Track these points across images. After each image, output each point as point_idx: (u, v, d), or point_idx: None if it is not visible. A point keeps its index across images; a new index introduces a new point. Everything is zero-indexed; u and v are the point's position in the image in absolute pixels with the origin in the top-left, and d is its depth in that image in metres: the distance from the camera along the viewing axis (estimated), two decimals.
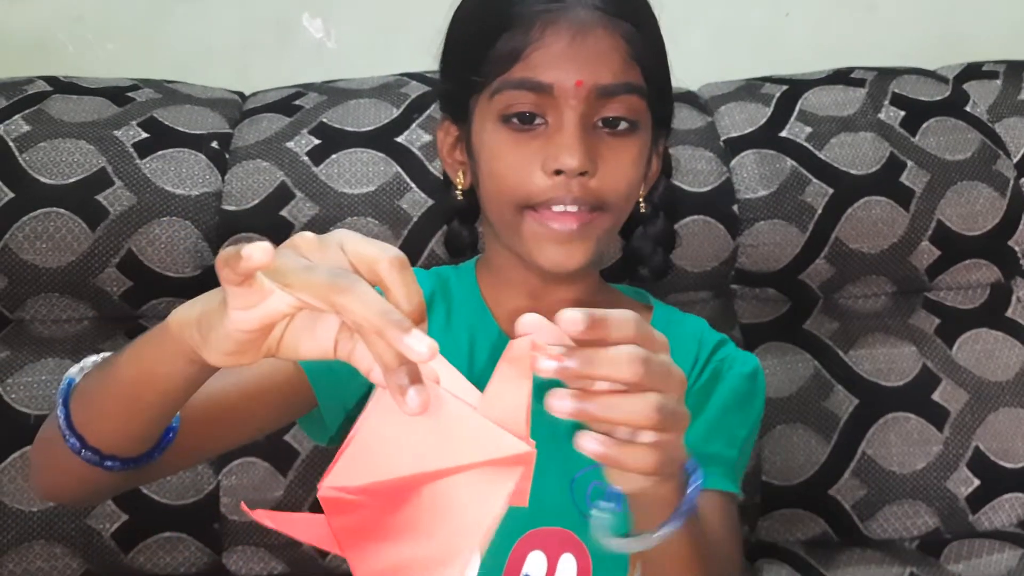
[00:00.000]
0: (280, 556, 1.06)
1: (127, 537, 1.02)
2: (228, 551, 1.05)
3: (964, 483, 1.12)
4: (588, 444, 0.48)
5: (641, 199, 0.79)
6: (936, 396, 1.13)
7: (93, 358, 0.62)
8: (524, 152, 0.71)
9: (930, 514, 1.12)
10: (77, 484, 0.64)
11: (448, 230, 0.87)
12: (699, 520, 0.62)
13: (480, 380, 0.68)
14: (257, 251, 0.43)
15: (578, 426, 0.70)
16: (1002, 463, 1.12)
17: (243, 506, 0.47)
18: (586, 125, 0.71)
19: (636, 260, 0.85)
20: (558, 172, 0.70)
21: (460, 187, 0.79)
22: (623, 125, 0.72)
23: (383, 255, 0.45)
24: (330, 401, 0.73)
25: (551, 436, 0.70)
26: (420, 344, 0.42)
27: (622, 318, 0.48)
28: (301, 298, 0.45)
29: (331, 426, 0.75)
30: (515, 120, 0.71)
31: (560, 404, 0.46)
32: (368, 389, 0.49)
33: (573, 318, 0.46)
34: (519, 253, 0.75)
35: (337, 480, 0.45)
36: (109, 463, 0.60)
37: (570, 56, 0.70)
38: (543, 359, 0.46)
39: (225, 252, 0.44)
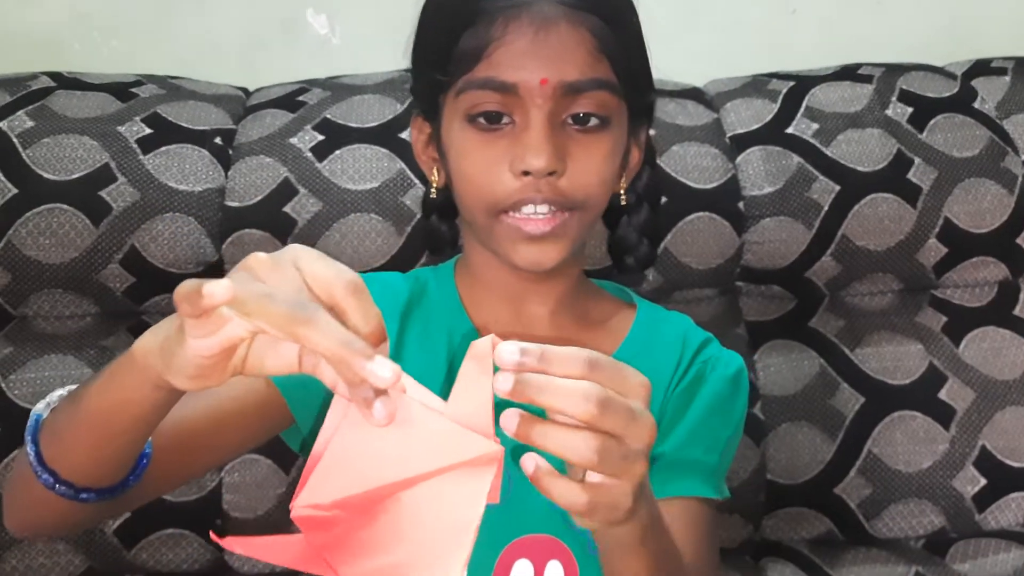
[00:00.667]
0: None
1: (129, 534, 1.02)
2: None
3: (970, 482, 1.11)
4: (526, 465, 0.49)
5: (622, 191, 0.77)
6: (943, 394, 1.12)
7: (59, 392, 0.62)
8: (491, 153, 0.69)
9: (936, 513, 1.11)
10: (54, 518, 0.64)
11: (427, 227, 0.85)
12: (659, 531, 0.61)
13: None
14: (219, 289, 0.43)
15: None
16: (1009, 462, 1.12)
17: (212, 535, 0.47)
18: (554, 123, 0.69)
19: (622, 250, 0.83)
20: (526, 173, 0.68)
21: (435, 184, 0.77)
22: (593, 122, 0.70)
23: (338, 280, 0.46)
24: (307, 414, 0.72)
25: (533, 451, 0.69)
26: (383, 370, 0.43)
27: (567, 356, 0.47)
28: (260, 327, 0.44)
29: (311, 437, 0.74)
30: (481, 120, 0.70)
31: (507, 422, 0.47)
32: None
33: (509, 351, 0.46)
34: (495, 253, 0.73)
35: (309, 498, 0.44)
36: (84, 495, 0.60)
37: (533, 53, 0.68)
38: (499, 378, 0.46)
39: (185, 288, 0.45)
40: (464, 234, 0.81)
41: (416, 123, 0.78)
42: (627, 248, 0.82)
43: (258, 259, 0.47)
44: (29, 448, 0.59)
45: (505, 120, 0.69)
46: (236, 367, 0.49)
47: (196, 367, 0.48)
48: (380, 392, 0.44)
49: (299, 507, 0.44)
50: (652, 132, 0.82)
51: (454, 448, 0.45)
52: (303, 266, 0.46)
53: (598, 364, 0.48)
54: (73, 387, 0.61)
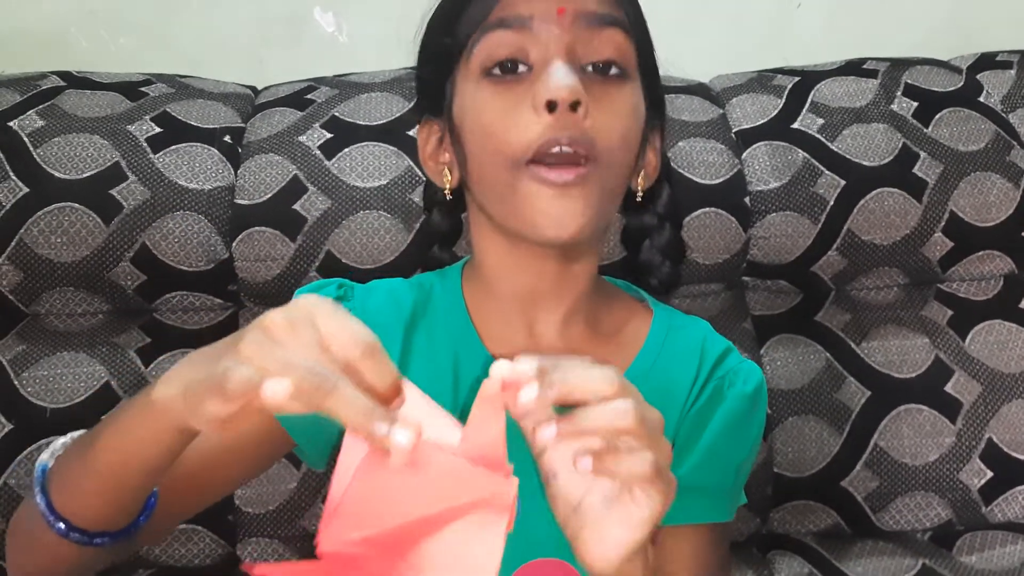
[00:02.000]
0: (294, 548, 1.07)
1: None
2: (242, 542, 1.06)
3: (977, 475, 1.12)
4: (582, 464, 0.51)
5: (640, 191, 0.74)
6: (949, 388, 1.13)
7: (62, 440, 0.62)
8: (510, 99, 0.66)
9: (943, 506, 1.12)
10: (65, 566, 0.62)
11: (426, 222, 0.81)
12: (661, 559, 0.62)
13: (466, 404, 0.69)
14: (280, 389, 0.45)
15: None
16: (1015, 455, 1.12)
17: (244, 566, 0.49)
18: (574, 61, 0.66)
19: (645, 272, 0.80)
20: (550, 108, 0.64)
21: (448, 186, 0.74)
22: (614, 70, 0.67)
23: (354, 342, 0.47)
24: (310, 439, 0.72)
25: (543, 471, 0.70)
26: (402, 437, 0.45)
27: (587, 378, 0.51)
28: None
29: (318, 459, 0.74)
30: (496, 71, 0.67)
31: (583, 463, 0.51)
32: None
33: (526, 399, 0.49)
34: (514, 227, 0.69)
35: (336, 534, 0.47)
36: (98, 540, 0.59)
37: None
38: (542, 431, 0.50)
39: (239, 381, 0.46)
40: (474, 232, 0.76)
41: (424, 127, 0.76)
42: (650, 270, 0.79)
43: (274, 321, 0.47)
44: (39, 499, 0.59)
45: (522, 69, 0.67)
46: (259, 408, 0.50)
47: (221, 422, 0.49)
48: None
49: (326, 541, 0.46)
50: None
51: (471, 487, 0.47)
52: (320, 324, 0.47)
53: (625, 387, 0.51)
54: (76, 434, 0.61)
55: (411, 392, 0.49)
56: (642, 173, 0.74)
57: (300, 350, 0.46)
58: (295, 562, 0.47)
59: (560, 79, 0.64)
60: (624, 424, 0.50)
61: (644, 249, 0.79)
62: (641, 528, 0.53)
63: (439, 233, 0.81)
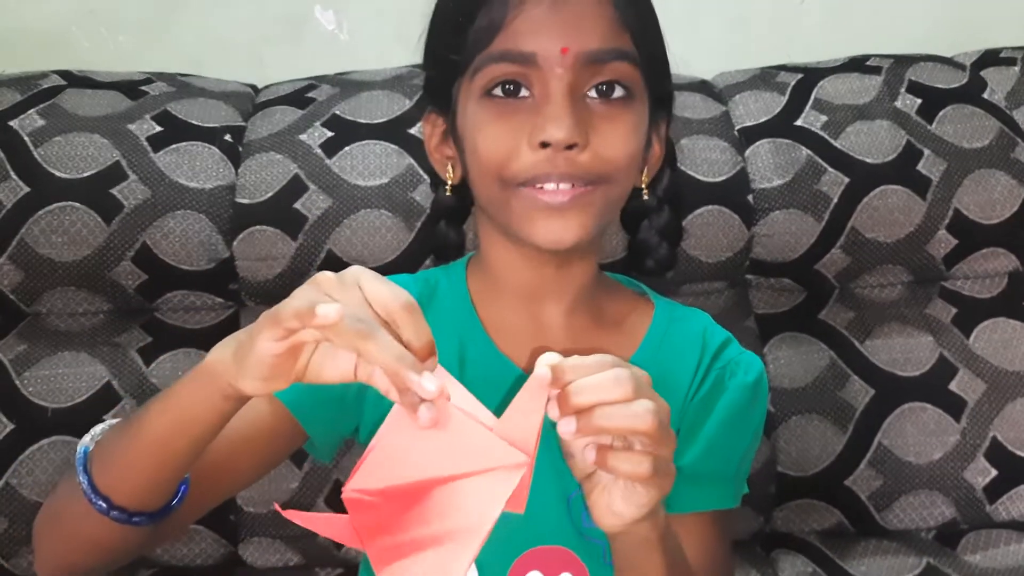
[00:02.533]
0: (295, 547, 1.07)
1: None
2: (244, 542, 1.06)
3: (981, 473, 1.11)
4: (588, 454, 0.56)
5: (644, 186, 0.75)
6: (953, 386, 1.12)
7: (101, 426, 0.65)
8: (509, 125, 0.67)
9: (947, 504, 1.11)
10: (99, 551, 0.65)
11: (434, 232, 0.82)
12: (671, 532, 0.64)
13: (471, 391, 0.69)
14: (332, 311, 0.48)
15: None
16: (1020, 453, 1.12)
17: (276, 506, 0.53)
18: (575, 95, 0.66)
19: (642, 253, 0.81)
20: (544, 145, 0.65)
21: (450, 181, 0.75)
22: (618, 92, 0.68)
23: (395, 299, 0.51)
24: (321, 429, 0.73)
25: (547, 455, 0.71)
26: (429, 384, 0.49)
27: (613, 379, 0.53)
28: (328, 336, 0.50)
29: (328, 451, 0.75)
30: (498, 92, 0.67)
31: (587, 454, 0.56)
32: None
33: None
34: (513, 233, 0.70)
35: (359, 483, 0.51)
36: (136, 519, 0.62)
37: (553, 22, 0.65)
38: (562, 424, 0.54)
39: (296, 305, 0.50)
40: (479, 227, 0.78)
41: (429, 119, 0.76)
42: (647, 251, 0.80)
43: (326, 276, 0.52)
44: (82, 478, 0.61)
45: (524, 94, 0.67)
46: (299, 372, 0.53)
47: (268, 367, 0.52)
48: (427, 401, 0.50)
49: (350, 490, 0.51)
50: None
51: (487, 454, 0.51)
52: (364, 285, 0.52)
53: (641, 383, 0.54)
54: (114, 421, 0.65)
55: (454, 385, 0.52)
56: (645, 169, 0.75)
57: (346, 303, 0.50)
58: (318, 513, 0.53)
59: (557, 119, 0.65)
60: (643, 427, 0.54)
61: (643, 229, 0.80)
62: (640, 508, 0.57)
63: (446, 208, 0.81)
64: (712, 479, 0.74)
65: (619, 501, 0.58)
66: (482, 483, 0.51)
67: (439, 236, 0.83)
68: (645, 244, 0.80)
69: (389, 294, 0.51)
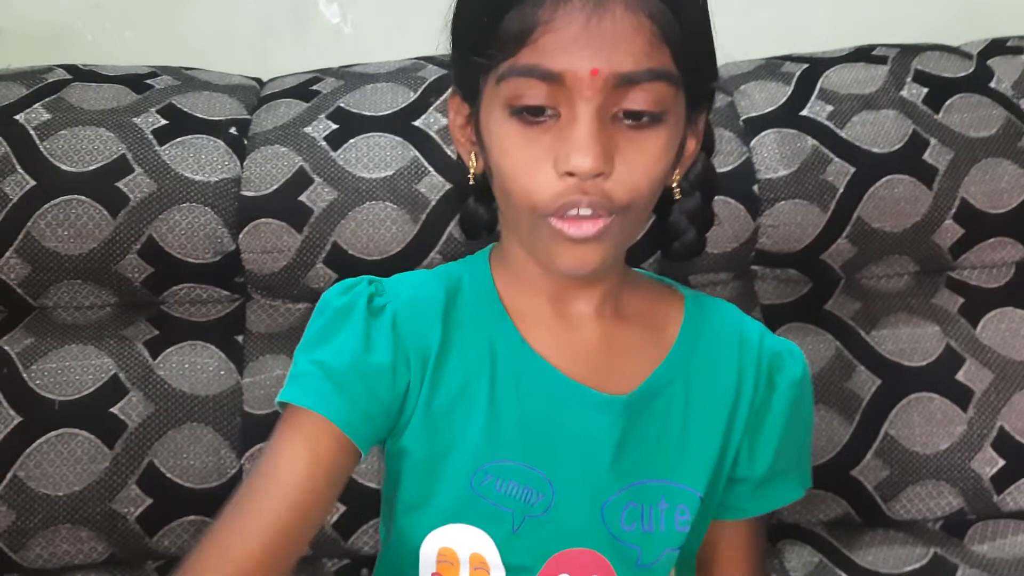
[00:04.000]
0: None
1: (152, 521, 1.03)
2: None
3: (988, 463, 1.11)
4: None
5: (675, 183, 0.73)
6: (960, 376, 1.12)
7: None
8: (533, 150, 0.64)
9: (954, 495, 1.11)
10: None
11: (463, 210, 0.78)
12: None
13: (502, 393, 0.72)
14: None
15: (615, 454, 0.72)
16: None
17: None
18: (603, 118, 0.63)
19: (669, 236, 0.78)
20: (570, 173, 0.63)
21: (473, 170, 0.72)
22: (646, 118, 0.64)
23: None
24: (366, 438, 0.72)
25: (582, 461, 0.70)
26: None
27: None
28: None
29: (367, 447, 0.74)
30: (525, 113, 0.64)
31: None
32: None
33: None
34: (534, 256, 0.71)
35: None
36: None
37: (585, 40, 0.62)
38: None
39: None
40: (503, 225, 0.76)
41: (453, 103, 0.73)
42: (675, 234, 0.77)
43: None
44: None
45: (549, 112, 0.64)
46: None
47: None
48: None
49: None
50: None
51: None
52: None
53: None
54: None
55: None
56: (678, 168, 0.72)
57: None
58: None
59: (582, 149, 0.62)
60: None
61: (672, 211, 0.77)
62: None
63: (474, 187, 0.77)
64: (782, 478, 0.78)
65: None
66: None
67: (468, 214, 0.79)
68: (674, 227, 0.77)
69: None
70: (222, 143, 1.10)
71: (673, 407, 0.75)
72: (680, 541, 0.74)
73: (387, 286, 0.75)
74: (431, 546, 0.72)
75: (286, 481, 0.66)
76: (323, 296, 0.74)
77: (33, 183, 1.05)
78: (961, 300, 1.16)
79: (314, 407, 0.68)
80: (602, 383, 0.73)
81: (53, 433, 1.02)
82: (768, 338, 0.79)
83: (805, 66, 1.21)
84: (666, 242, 0.78)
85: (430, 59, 1.19)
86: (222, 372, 1.07)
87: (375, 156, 1.09)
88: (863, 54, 1.22)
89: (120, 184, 1.06)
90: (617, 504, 0.72)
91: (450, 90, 0.74)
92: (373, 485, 1.04)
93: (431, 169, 1.08)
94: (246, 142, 1.11)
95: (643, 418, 0.74)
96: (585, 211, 0.64)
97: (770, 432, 0.77)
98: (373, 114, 1.12)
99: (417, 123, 1.11)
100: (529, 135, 0.65)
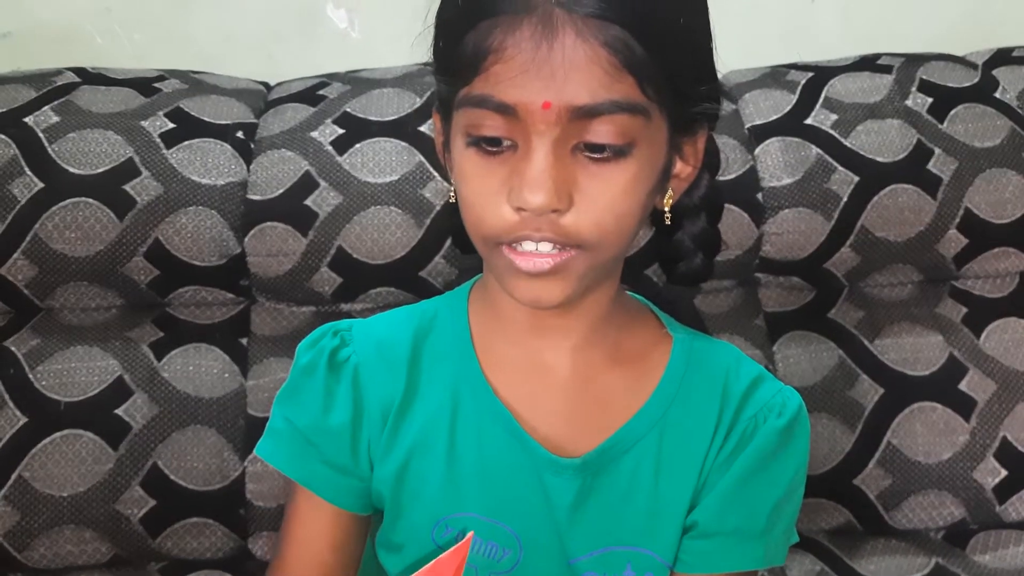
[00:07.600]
0: None
1: (155, 522, 1.04)
2: (253, 536, 1.07)
3: (991, 473, 1.11)
4: None
5: (666, 208, 0.67)
6: (963, 386, 1.12)
7: None
8: (489, 181, 0.60)
9: (956, 504, 1.11)
10: None
11: (454, 227, 0.71)
12: None
13: (462, 442, 0.70)
14: None
15: (573, 517, 0.69)
16: None
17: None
18: (561, 152, 0.59)
19: (673, 257, 0.73)
20: (522, 208, 0.59)
21: (452, 189, 0.67)
22: (608, 152, 0.59)
23: None
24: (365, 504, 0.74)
25: (546, 519, 0.69)
26: None
27: None
28: None
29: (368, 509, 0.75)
30: (482, 143, 0.60)
31: None
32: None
33: None
34: (500, 284, 0.66)
35: None
36: None
37: (535, 71, 0.57)
38: None
39: None
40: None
41: (436, 120, 0.70)
42: (679, 256, 0.72)
43: None
44: None
45: (507, 143, 0.60)
46: None
47: None
48: None
49: None
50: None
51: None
52: None
53: None
54: None
55: None
56: (668, 193, 0.67)
57: None
58: None
59: (533, 184, 0.58)
60: None
61: (677, 234, 0.72)
62: None
63: (466, 237, 0.74)
64: (734, 537, 0.69)
65: None
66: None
67: (459, 229, 0.74)
68: (678, 248, 0.72)
69: None
70: (229, 147, 1.10)
71: (643, 464, 0.69)
72: None
73: (355, 333, 0.73)
74: None
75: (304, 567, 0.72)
76: (298, 347, 0.73)
77: (41, 185, 1.05)
78: (964, 310, 1.16)
79: (302, 481, 0.72)
80: (562, 438, 0.69)
81: (58, 434, 1.03)
82: (762, 388, 0.71)
83: (810, 75, 1.21)
84: (670, 265, 0.74)
85: None
86: (226, 375, 1.08)
87: (381, 161, 1.10)
88: (868, 63, 1.23)
89: (127, 187, 1.06)
90: (584, 567, 0.70)
91: (435, 106, 0.72)
92: None
93: (436, 174, 1.09)
94: (253, 146, 1.12)
95: (604, 478, 0.69)
96: (543, 247, 0.60)
97: (725, 481, 0.69)
98: (379, 119, 1.12)
99: (423, 128, 1.11)
100: (486, 165, 0.61)
